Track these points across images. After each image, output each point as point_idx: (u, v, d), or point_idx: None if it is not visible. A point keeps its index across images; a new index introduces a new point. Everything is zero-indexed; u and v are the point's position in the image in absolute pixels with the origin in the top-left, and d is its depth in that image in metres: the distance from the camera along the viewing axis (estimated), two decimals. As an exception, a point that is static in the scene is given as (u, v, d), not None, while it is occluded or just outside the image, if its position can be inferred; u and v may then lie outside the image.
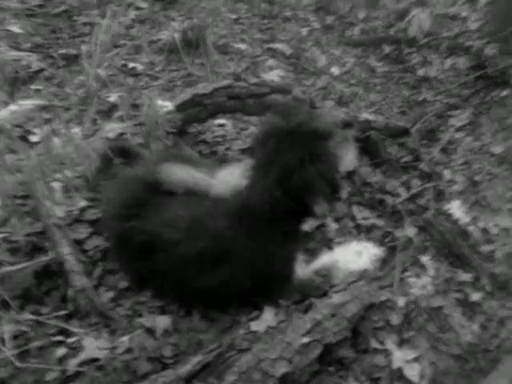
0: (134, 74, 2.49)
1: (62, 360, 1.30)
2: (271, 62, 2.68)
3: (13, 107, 1.94)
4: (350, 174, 1.95)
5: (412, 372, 1.32)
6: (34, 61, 2.42)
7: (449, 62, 2.68)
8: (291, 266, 1.50)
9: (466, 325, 1.45)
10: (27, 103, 1.96)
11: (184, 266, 1.43)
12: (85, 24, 2.84)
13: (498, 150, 2.09)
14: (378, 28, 2.95)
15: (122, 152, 1.85)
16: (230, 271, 1.41)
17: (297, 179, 1.38)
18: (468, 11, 3.07)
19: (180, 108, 2.03)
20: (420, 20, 2.80)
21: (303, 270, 1.53)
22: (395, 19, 2.96)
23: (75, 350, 1.32)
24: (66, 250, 1.54)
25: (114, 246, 1.59)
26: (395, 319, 1.44)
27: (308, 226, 1.71)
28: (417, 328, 1.44)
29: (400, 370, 1.33)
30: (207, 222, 1.46)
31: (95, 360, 1.30)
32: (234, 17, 3.06)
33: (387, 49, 2.80)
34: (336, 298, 1.41)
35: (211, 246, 1.43)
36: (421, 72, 2.62)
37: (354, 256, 1.60)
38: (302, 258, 1.55)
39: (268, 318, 1.41)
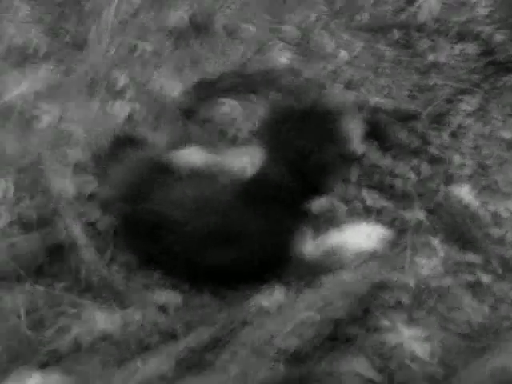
0: (143, 56, 2.48)
1: (64, 332, 1.31)
2: (280, 45, 2.66)
3: (22, 87, 1.95)
4: (360, 157, 1.95)
5: (422, 350, 1.33)
6: (42, 44, 2.41)
7: (458, 47, 2.65)
8: (301, 246, 1.51)
9: (475, 306, 1.46)
10: (37, 83, 1.96)
11: (194, 245, 1.44)
12: (92, 7, 2.83)
13: (508, 135, 2.09)
14: (387, 13, 2.91)
15: (130, 137, 1.85)
16: (240, 250, 1.42)
17: (315, 160, 1.39)
18: (478, -3, 3.04)
19: (189, 90, 2.03)
20: (430, 5, 2.77)
21: (313, 249, 1.54)
22: (405, 4, 2.92)
23: (88, 324, 1.33)
24: (77, 228, 1.55)
25: (123, 227, 1.60)
26: (405, 299, 1.44)
27: (318, 206, 1.71)
28: (427, 308, 1.44)
29: (410, 348, 1.34)
30: (218, 202, 1.46)
31: (108, 335, 1.31)
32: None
33: (397, 34, 2.77)
34: (346, 277, 1.42)
35: (222, 225, 1.43)
36: (430, 57, 2.59)
37: (363, 237, 1.60)
38: (312, 238, 1.55)
39: (278, 295, 1.42)
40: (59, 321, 1.35)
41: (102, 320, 1.35)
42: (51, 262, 1.52)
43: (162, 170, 1.57)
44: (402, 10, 2.91)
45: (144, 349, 1.30)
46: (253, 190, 1.46)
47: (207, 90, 2.03)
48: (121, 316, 1.37)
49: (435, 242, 1.64)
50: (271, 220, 1.44)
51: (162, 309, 1.41)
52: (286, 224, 1.46)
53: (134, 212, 1.51)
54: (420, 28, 2.76)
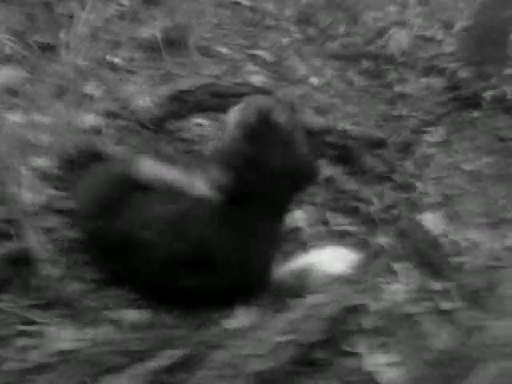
0: (113, 67, 2.44)
1: (24, 350, 1.23)
2: (251, 67, 2.68)
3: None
4: (326, 181, 1.96)
5: (385, 376, 1.32)
6: (10, 44, 2.34)
7: (424, 81, 2.75)
8: (269, 268, 1.49)
9: (436, 333, 1.47)
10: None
11: (162, 265, 1.39)
12: (63, 15, 2.78)
13: (468, 167, 2.15)
14: (357, 43, 3.00)
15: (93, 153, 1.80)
16: (210, 272, 1.38)
17: (284, 181, 1.39)
18: (443, 35, 3.17)
19: (159, 104, 2.01)
20: (398, 39, 2.88)
21: (280, 271, 1.52)
22: (374, 36, 3.02)
23: (39, 340, 1.25)
24: (32, 239, 1.48)
25: (89, 243, 1.53)
26: (368, 323, 1.44)
27: (284, 228, 1.70)
28: (389, 333, 1.44)
29: (372, 374, 1.33)
30: (186, 223, 1.43)
31: (60, 352, 1.24)
32: (216, 21, 3.06)
33: (366, 64, 2.85)
34: (311, 300, 1.40)
35: (190, 247, 1.40)
36: (397, 88, 2.68)
37: (330, 260, 1.60)
38: (279, 260, 1.54)
39: (242, 316, 1.39)
40: (18, 339, 1.27)
41: (53, 336, 1.28)
42: (12, 277, 1.43)
43: (129, 186, 1.53)
44: (372, 41, 3.00)
45: (109, 369, 1.23)
46: (222, 211, 1.43)
47: (178, 106, 2.00)
48: (74, 332, 1.30)
49: (397, 267, 1.65)
50: (241, 244, 1.41)
51: (119, 326, 1.35)
52: (256, 248, 1.44)
53: (100, 228, 1.45)
54: (388, 60, 2.85)
